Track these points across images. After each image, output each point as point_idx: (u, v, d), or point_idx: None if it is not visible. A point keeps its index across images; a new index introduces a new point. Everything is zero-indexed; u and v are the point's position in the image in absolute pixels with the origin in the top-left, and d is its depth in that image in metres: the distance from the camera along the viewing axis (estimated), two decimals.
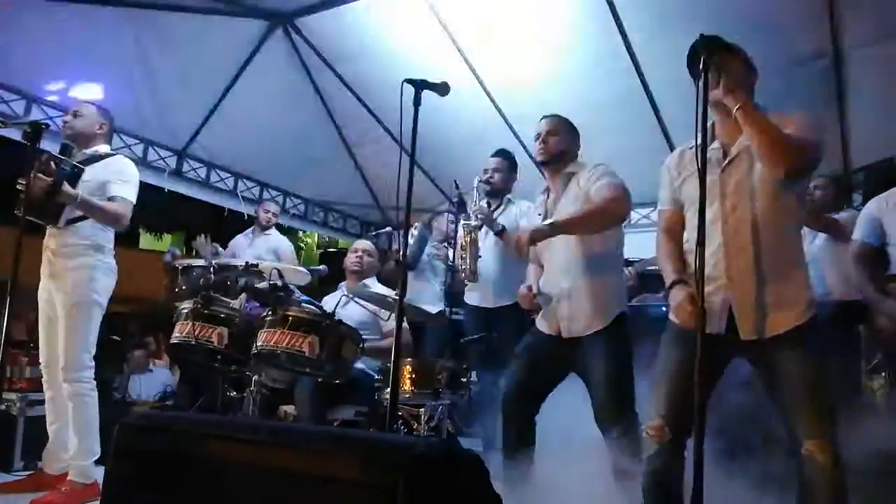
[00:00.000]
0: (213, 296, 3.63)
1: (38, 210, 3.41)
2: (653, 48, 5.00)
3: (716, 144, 2.42)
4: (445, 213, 4.93)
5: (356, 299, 4.15)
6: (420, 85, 2.73)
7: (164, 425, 1.74)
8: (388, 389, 2.74)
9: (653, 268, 4.37)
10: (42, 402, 3.74)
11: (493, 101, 5.93)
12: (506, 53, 5.44)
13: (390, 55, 5.53)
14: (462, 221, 4.02)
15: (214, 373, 3.98)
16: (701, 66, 2.14)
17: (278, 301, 3.42)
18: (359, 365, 3.76)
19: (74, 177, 3.49)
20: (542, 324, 3.15)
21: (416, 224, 5.06)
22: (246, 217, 6.85)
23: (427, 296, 5.04)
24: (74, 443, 3.50)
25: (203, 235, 5.43)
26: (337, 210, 8.22)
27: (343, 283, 4.53)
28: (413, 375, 3.53)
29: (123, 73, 5.38)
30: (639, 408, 2.84)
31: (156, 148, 6.24)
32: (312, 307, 3.80)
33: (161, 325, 6.14)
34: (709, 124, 2.45)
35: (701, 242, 2.07)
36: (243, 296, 3.86)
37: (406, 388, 3.48)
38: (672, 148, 5.61)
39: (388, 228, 6.99)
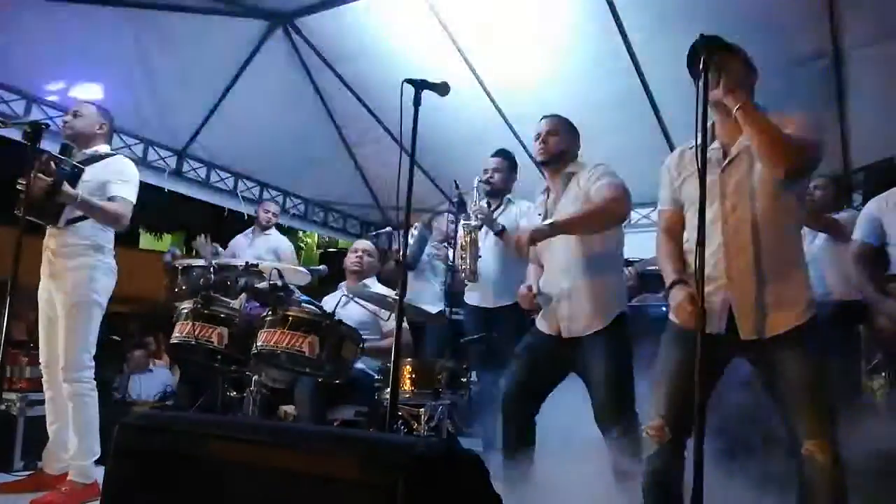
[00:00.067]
0: (213, 296, 3.63)
1: (38, 210, 3.41)
2: (653, 48, 5.00)
3: (716, 144, 2.42)
4: (445, 213, 4.93)
5: (356, 299, 4.15)
6: (420, 85, 2.74)
7: (164, 425, 1.74)
8: (388, 389, 2.74)
9: (653, 268, 4.37)
10: (42, 402, 3.74)
11: (493, 101, 5.93)
12: (506, 53, 5.44)
13: (390, 55, 5.53)
14: (462, 221, 4.02)
15: (214, 373, 3.98)
16: (701, 66, 2.14)
17: (278, 301, 3.42)
18: (359, 365, 3.76)
19: (74, 177, 3.49)
20: (542, 324, 3.15)
21: (416, 224, 5.06)
22: (246, 217, 6.85)
23: (427, 296, 5.04)
24: (74, 443, 3.50)
25: (203, 235, 5.43)
26: (337, 210, 8.22)
27: (343, 283, 4.53)
28: (413, 375, 3.53)
29: (123, 72, 5.38)
30: (639, 408, 2.84)
31: (156, 148, 6.24)
32: (312, 307, 3.80)
33: (161, 325, 6.14)
34: (709, 124, 2.45)
35: (701, 242, 2.07)
36: (243, 296, 3.86)
37: (406, 388, 3.48)
38: (672, 148, 5.60)
39: (388, 228, 6.99)
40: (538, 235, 2.91)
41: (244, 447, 1.51)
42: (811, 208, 3.89)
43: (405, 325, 3.69)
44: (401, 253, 2.93)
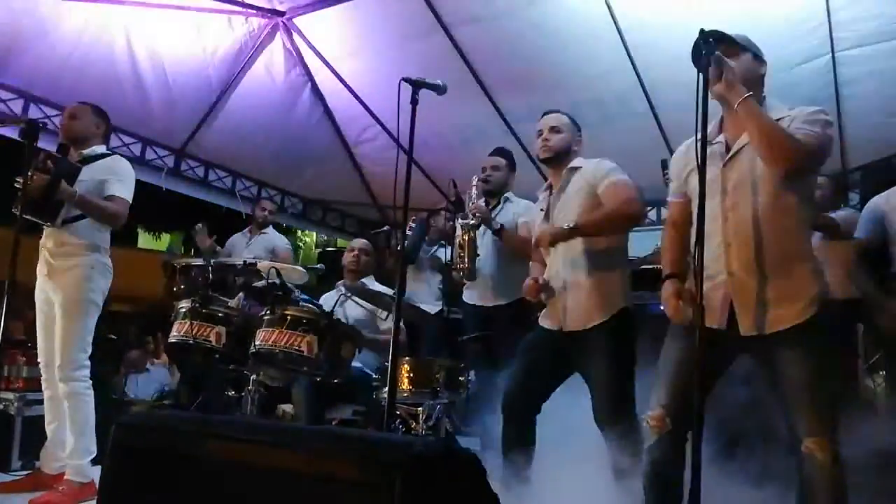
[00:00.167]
0: (211, 295, 3.64)
1: (36, 208, 3.42)
2: (651, 46, 5.00)
3: (720, 138, 2.41)
4: (443, 212, 4.92)
5: (354, 298, 4.15)
6: (417, 84, 2.74)
7: (161, 424, 1.74)
8: (387, 389, 2.74)
9: (648, 266, 4.37)
10: (40, 402, 3.73)
11: (490, 99, 5.93)
12: (503, 51, 5.44)
13: (388, 54, 5.52)
14: (460, 220, 4.01)
15: (212, 372, 3.98)
16: (701, 63, 2.13)
17: (276, 300, 3.41)
18: (357, 364, 3.76)
19: (72, 175, 3.49)
20: (544, 320, 3.13)
21: (413, 217, 5.06)
22: (244, 216, 6.84)
23: (424, 295, 5.04)
24: (71, 442, 3.50)
25: (201, 224, 5.43)
26: (335, 209, 8.22)
27: (341, 282, 4.53)
28: (411, 374, 3.53)
29: (121, 71, 5.37)
30: (637, 408, 2.84)
31: (154, 147, 6.23)
32: (310, 306, 3.79)
33: (159, 325, 6.15)
34: (716, 121, 2.45)
35: (700, 237, 2.09)
36: (241, 295, 3.85)
37: (404, 387, 3.48)
38: (670, 147, 5.63)
39: (387, 227, 6.99)
40: (559, 237, 2.92)
41: (241, 446, 1.51)
42: None
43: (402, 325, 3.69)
44: (398, 242, 2.94)
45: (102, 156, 3.75)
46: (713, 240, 2.34)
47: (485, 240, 4.15)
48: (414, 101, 2.74)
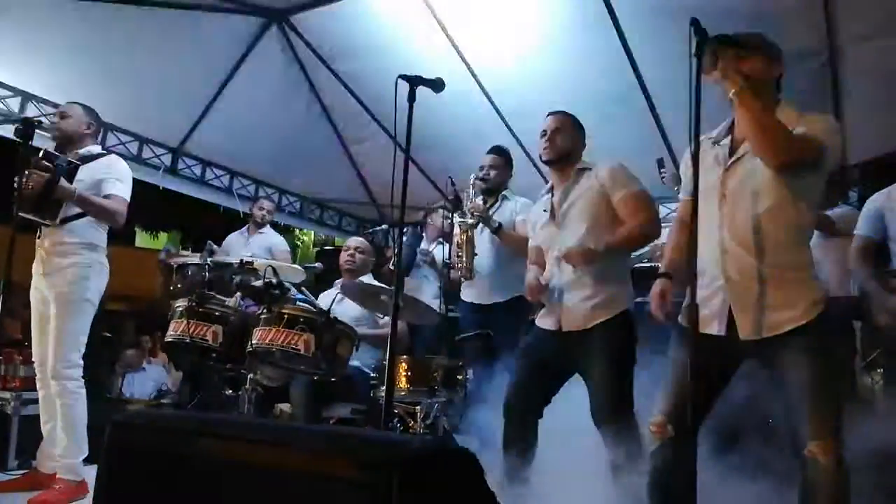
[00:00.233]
0: (207, 294, 3.62)
1: (35, 207, 3.41)
2: (649, 45, 4.99)
3: (726, 141, 2.40)
4: (440, 210, 4.92)
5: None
6: (415, 81, 2.73)
7: (157, 424, 1.73)
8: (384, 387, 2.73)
9: (646, 265, 4.37)
10: (37, 401, 3.71)
11: (488, 97, 5.92)
12: (502, 49, 5.43)
13: (385, 51, 5.51)
14: (458, 219, 4.01)
15: (209, 371, 3.97)
16: (694, 51, 2.12)
17: (273, 299, 3.40)
18: (354, 363, 3.75)
19: (71, 173, 3.49)
20: (543, 321, 3.11)
21: (406, 228, 5.06)
22: (241, 215, 6.84)
23: (425, 295, 5.03)
24: (63, 441, 3.49)
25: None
26: (333, 208, 8.21)
27: (338, 281, 4.52)
28: (409, 373, 3.52)
29: (118, 69, 5.36)
30: (635, 407, 2.84)
31: (151, 145, 6.23)
32: (308, 305, 3.79)
33: (157, 324, 6.14)
34: (726, 122, 2.43)
35: (693, 238, 2.09)
36: (238, 294, 3.84)
37: (402, 385, 3.48)
38: (669, 146, 5.64)
39: (384, 226, 6.99)
40: (592, 257, 2.88)
41: (237, 446, 1.51)
42: None
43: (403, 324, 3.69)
44: (395, 251, 2.93)
45: (99, 155, 3.74)
46: (711, 244, 2.33)
47: (482, 238, 4.14)
48: (411, 99, 2.73)
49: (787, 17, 4.54)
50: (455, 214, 4.11)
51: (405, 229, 5.02)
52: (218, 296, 3.73)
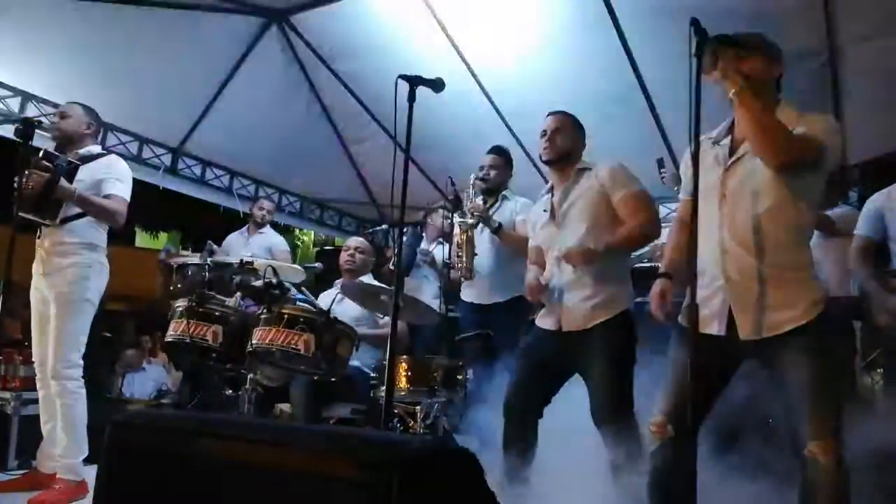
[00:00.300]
0: (207, 294, 3.62)
1: (35, 207, 3.42)
2: (649, 45, 4.99)
3: (726, 141, 2.40)
4: (440, 210, 4.92)
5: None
6: (414, 81, 2.73)
7: (157, 423, 1.73)
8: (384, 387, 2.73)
9: (645, 265, 4.37)
10: (37, 401, 3.71)
11: (488, 96, 5.92)
12: (502, 49, 5.43)
13: (385, 51, 5.51)
14: (458, 220, 4.01)
15: (209, 371, 3.97)
16: (694, 51, 2.12)
17: (273, 299, 3.40)
18: (355, 363, 3.75)
19: (71, 173, 3.49)
20: (543, 321, 3.11)
21: (407, 228, 5.06)
22: (241, 215, 6.83)
23: (425, 295, 5.03)
24: (63, 441, 3.49)
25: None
26: (333, 208, 8.21)
27: (338, 281, 4.52)
28: (409, 373, 3.52)
29: (118, 69, 5.36)
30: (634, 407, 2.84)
31: (151, 145, 6.23)
32: (307, 305, 3.78)
33: (157, 324, 6.14)
34: (726, 122, 2.43)
35: (693, 238, 2.09)
36: (238, 294, 3.84)
37: (402, 385, 3.48)
38: (669, 146, 5.64)
39: (384, 226, 6.99)
40: (593, 257, 2.88)
41: (237, 446, 1.51)
42: None
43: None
44: (395, 251, 2.93)
45: (99, 155, 3.74)
46: (710, 244, 2.34)
47: (482, 238, 4.14)
48: (411, 99, 2.73)
49: (787, 17, 4.54)
50: (455, 214, 4.11)
51: (405, 229, 5.01)
52: (218, 296, 3.73)
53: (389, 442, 1.48)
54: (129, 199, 3.69)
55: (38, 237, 3.64)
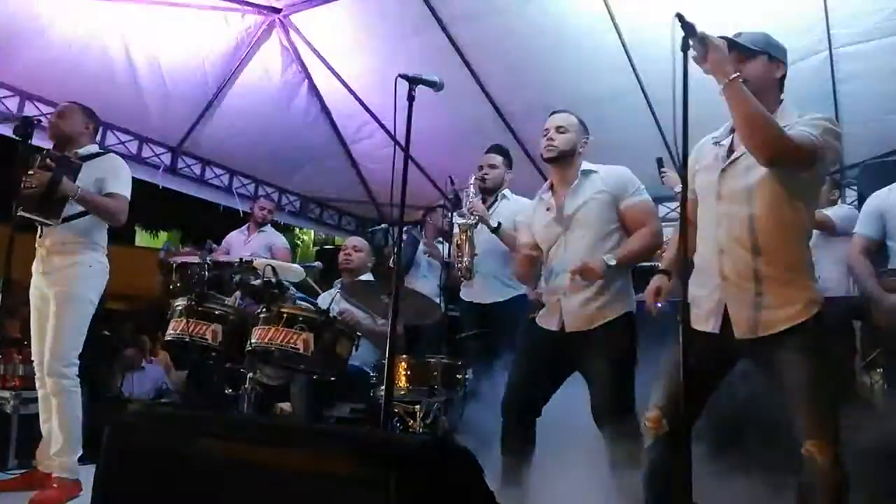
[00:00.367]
0: (207, 293, 3.62)
1: (38, 206, 3.42)
2: (649, 44, 4.99)
3: (726, 142, 2.40)
4: (440, 209, 4.92)
5: (350, 299, 4.13)
6: (414, 80, 2.73)
7: (156, 423, 1.73)
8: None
9: (646, 265, 4.37)
10: (36, 400, 3.71)
11: (488, 96, 5.92)
12: (500, 49, 5.43)
13: (385, 50, 5.51)
14: (458, 220, 4.00)
15: (209, 370, 3.96)
16: (680, 46, 2.11)
17: (272, 298, 3.40)
18: (355, 362, 3.75)
19: (74, 171, 3.49)
20: (544, 321, 3.10)
21: (406, 227, 5.06)
22: (241, 214, 6.83)
23: (425, 293, 5.02)
24: (59, 439, 3.49)
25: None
26: (333, 207, 8.20)
27: (338, 281, 4.52)
28: (409, 372, 3.52)
29: (117, 68, 5.36)
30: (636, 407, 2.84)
31: (150, 144, 6.22)
32: (307, 304, 3.78)
33: (157, 323, 6.13)
34: (729, 122, 2.43)
35: (683, 237, 2.11)
36: (238, 293, 3.84)
37: (402, 384, 3.48)
38: (667, 145, 5.63)
39: (384, 225, 6.97)
40: (608, 272, 2.91)
41: (236, 445, 1.51)
42: None
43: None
44: (395, 250, 2.92)
45: (98, 154, 3.74)
46: (707, 244, 2.35)
47: (481, 237, 4.14)
48: (410, 98, 2.72)
49: (787, 18, 4.54)
50: (454, 214, 4.10)
51: (405, 228, 5.01)
52: (217, 295, 3.73)
53: (388, 441, 1.48)
54: (129, 198, 3.69)
55: (39, 236, 3.64)
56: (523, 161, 5.76)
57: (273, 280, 3.47)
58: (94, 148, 3.77)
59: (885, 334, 3.61)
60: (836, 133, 2.28)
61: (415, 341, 4.70)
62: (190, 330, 3.42)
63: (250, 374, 3.49)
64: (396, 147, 2.76)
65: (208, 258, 4.20)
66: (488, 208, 4.12)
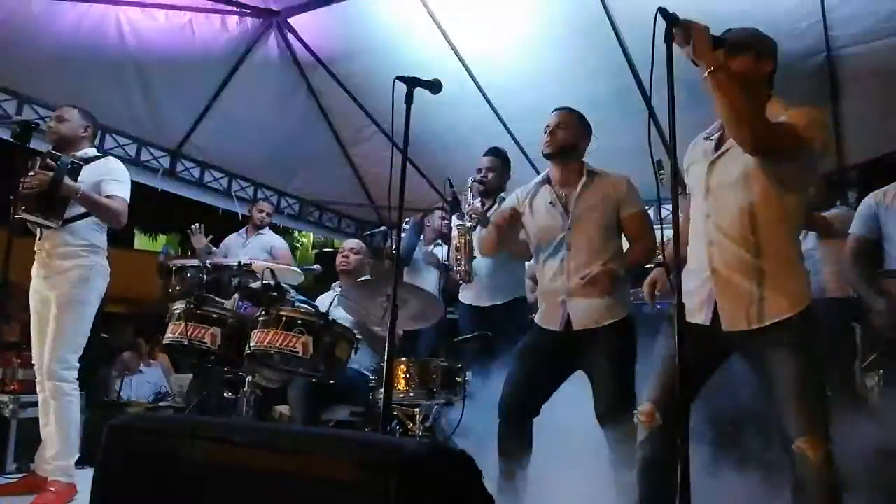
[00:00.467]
0: (205, 296, 3.61)
1: (39, 207, 3.42)
2: (648, 44, 4.98)
3: (716, 136, 2.41)
4: (438, 211, 4.92)
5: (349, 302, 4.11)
6: (412, 82, 2.73)
7: (154, 426, 1.72)
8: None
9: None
10: (35, 404, 3.71)
11: (486, 98, 5.92)
12: (500, 50, 5.43)
13: (383, 53, 5.51)
14: (456, 222, 4.00)
15: (209, 373, 3.96)
16: (664, 38, 2.14)
17: (271, 301, 3.40)
18: (353, 365, 3.74)
19: (74, 172, 3.49)
20: (545, 321, 3.11)
21: (407, 218, 5.06)
22: (240, 217, 6.82)
23: (426, 288, 5.02)
24: (56, 442, 3.48)
25: (198, 225, 5.42)
26: (332, 209, 8.19)
27: (337, 283, 4.51)
28: (408, 375, 3.51)
29: (115, 72, 5.36)
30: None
31: (149, 148, 6.21)
32: (306, 307, 3.78)
33: (156, 326, 6.13)
34: (719, 121, 2.43)
35: (675, 232, 2.18)
36: (236, 296, 3.84)
37: (401, 387, 3.47)
38: (666, 145, 5.62)
39: (383, 228, 6.98)
40: (617, 281, 2.96)
41: (234, 449, 1.50)
42: None
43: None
44: (394, 250, 2.92)
45: (96, 157, 3.74)
46: (698, 237, 2.38)
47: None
48: (409, 100, 2.72)
49: (785, 20, 4.54)
50: (453, 217, 4.11)
51: (406, 220, 5.01)
52: (216, 298, 3.73)
53: (386, 444, 1.48)
54: (128, 200, 3.69)
55: (39, 239, 3.64)
56: (522, 163, 5.76)
57: (272, 283, 3.46)
58: (91, 151, 3.78)
59: (882, 336, 3.61)
60: (823, 123, 2.30)
61: (413, 344, 4.70)
62: (189, 333, 3.41)
63: (249, 378, 3.48)
64: (394, 149, 2.76)
65: (207, 261, 4.20)
66: (487, 210, 4.12)
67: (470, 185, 4.01)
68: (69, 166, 3.46)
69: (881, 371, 3.91)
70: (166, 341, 3.55)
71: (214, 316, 3.50)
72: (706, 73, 2.18)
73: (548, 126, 3.17)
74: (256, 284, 3.53)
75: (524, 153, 5.98)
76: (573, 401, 3.00)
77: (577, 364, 3.01)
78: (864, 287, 3.59)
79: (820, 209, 4.15)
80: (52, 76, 5.15)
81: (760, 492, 2.60)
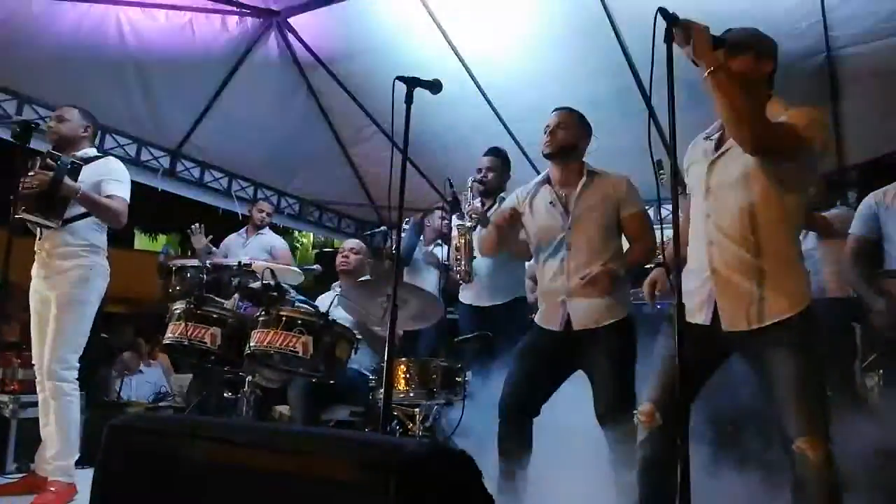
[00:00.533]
0: (205, 296, 3.61)
1: (40, 207, 3.42)
2: (647, 44, 4.98)
3: (716, 136, 2.41)
4: (438, 211, 4.92)
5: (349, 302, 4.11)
6: (412, 82, 2.73)
7: (154, 426, 1.72)
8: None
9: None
10: (35, 404, 3.71)
11: (486, 98, 5.92)
12: (501, 50, 5.43)
13: (383, 53, 5.51)
14: (456, 222, 4.00)
15: (209, 373, 3.96)
16: (664, 37, 2.13)
17: (271, 301, 3.40)
18: (354, 365, 3.74)
19: (74, 172, 3.49)
20: (545, 321, 3.11)
21: (407, 218, 5.06)
22: (240, 217, 6.82)
23: (426, 288, 5.02)
24: (56, 442, 3.48)
25: (198, 225, 5.42)
26: (332, 209, 8.19)
27: (336, 283, 4.51)
28: (408, 375, 3.51)
29: (115, 72, 5.36)
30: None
31: (149, 148, 6.21)
32: (306, 307, 3.78)
33: (156, 326, 6.13)
34: (719, 121, 2.43)
35: (675, 232, 2.17)
36: (236, 296, 3.84)
37: (401, 387, 3.47)
38: (666, 145, 5.62)
39: (383, 228, 6.98)
40: (617, 281, 2.96)
41: (234, 449, 1.50)
42: None
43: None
44: (394, 250, 2.92)
45: (96, 157, 3.74)
46: (698, 237, 2.38)
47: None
48: (409, 100, 2.72)
49: (785, 20, 4.54)
50: (453, 217, 4.10)
51: (406, 220, 5.01)
52: (216, 298, 3.73)
53: (386, 444, 1.48)
54: (128, 200, 3.69)
55: (39, 239, 3.64)
56: (522, 163, 5.76)
57: (272, 283, 3.46)
58: (91, 151, 3.78)
59: (882, 337, 3.61)
60: (823, 123, 2.30)
61: (413, 344, 4.70)
62: (189, 333, 3.41)
63: (249, 378, 3.48)
64: (394, 149, 2.76)
65: (207, 261, 4.20)
66: (487, 211, 4.12)
67: (470, 185, 4.01)
68: (69, 166, 3.47)
69: (881, 371, 3.90)
70: (166, 341, 3.55)
71: (214, 316, 3.49)
72: (706, 73, 2.18)
73: (548, 126, 3.17)
74: (256, 284, 3.53)
75: (524, 153, 5.98)
76: (573, 401, 3.00)
77: (577, 364, 3.01)
78: (864, 287, 3.59)
79: (820, 209, 4.14)
80: (52, 76, 5.15)
81: (760, 492, 2.60)
